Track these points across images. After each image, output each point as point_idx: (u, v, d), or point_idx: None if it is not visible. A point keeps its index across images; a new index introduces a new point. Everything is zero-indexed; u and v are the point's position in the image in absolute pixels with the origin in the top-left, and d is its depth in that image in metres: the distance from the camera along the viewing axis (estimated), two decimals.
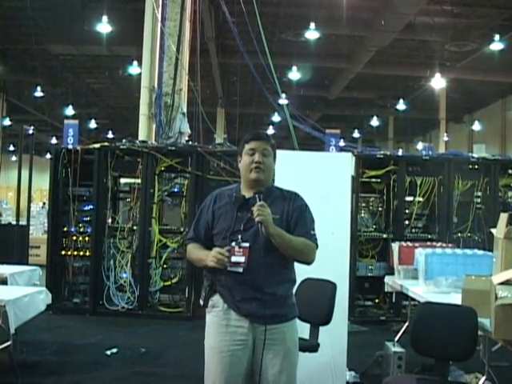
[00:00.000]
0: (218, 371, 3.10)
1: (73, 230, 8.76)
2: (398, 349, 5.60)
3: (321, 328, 4.39)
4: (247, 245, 3.11)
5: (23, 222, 11.61)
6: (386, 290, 6.74)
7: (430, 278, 5.21)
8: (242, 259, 3.10)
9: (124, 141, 9.04)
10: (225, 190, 3.36)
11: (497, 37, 15.77)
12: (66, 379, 5.63)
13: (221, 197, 3.31)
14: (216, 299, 3.19)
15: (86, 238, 8.74)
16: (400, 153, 11.21)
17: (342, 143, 13.43)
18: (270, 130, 30.70)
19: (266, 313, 3.08)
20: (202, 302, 3.28)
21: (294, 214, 3.22)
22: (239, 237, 3.12)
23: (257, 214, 3.03)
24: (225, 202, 3.26)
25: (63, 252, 8.74)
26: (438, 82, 19.77)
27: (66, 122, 10.54)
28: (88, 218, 8.83)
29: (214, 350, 3.15)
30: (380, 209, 9.20)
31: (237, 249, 3.11)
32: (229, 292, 3.15)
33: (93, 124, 28.77)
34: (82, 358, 6.35)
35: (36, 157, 13.39)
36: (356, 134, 32.22)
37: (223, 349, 3.12)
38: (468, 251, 5.69)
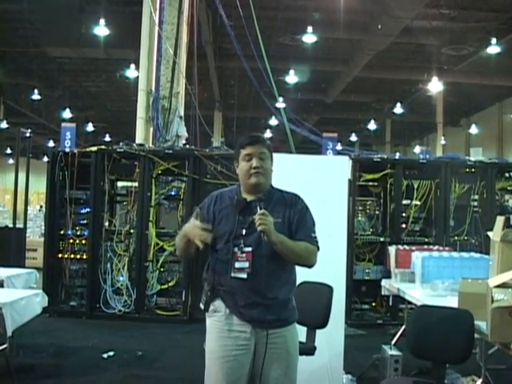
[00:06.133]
0: (219, 376, 3.08)
1: (70, 232, 8.75)
2: (394, 352, 5.61)
3: (317, 331, 4.39)
4: (250, 249, 3.09)
5: (20, 225, 11.57)
6: (382, 293, 6.73)
7: (427, 281, 5.22)
8: (246, 264, 3.08)
9: (121, 144, 9.02)
10: (225, 192, 3.31)
11: (494, 40, 15.80)
12: (63, 382, 5.64)
13: (221, 199, 3.26)
14: (218, 304, 3.16)
15: (83, 241, 8.74)
16: (397, 156, 11.17)
17: (339, 147, 13.38)
18: (268, 134, 30.73)
19: (268, 318, 3.07)
20: (202, 306, 3.24)
21: (295, 217, 3.20)
22: (242, 241, 3.10)
23: (259, 223, 2.99)
24: (225, 205, 3.22)
25: (60, 255, 8.74)
26: (435, 86, 19.81)
27: (63, 124, 10.48)
28: (85, 221, 8.81)
29: (215, 354, 3.13)
30: (377, 212, 9.20)
31: (239, 254, 3.09)
32: (231, 297, 3.11)
33: (90, 127, 28.78)
34: (78, 361, 6.34)
35: (33, 160, 13.36)
36: (353, 138, 32.23)
37: (225, 354, 3.10)
38: (465, 254, 5.71)
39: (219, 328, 3.14)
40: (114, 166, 8.78)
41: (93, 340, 7.25)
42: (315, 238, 3.22)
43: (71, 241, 8.75)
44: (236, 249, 3.10)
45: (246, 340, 3.11)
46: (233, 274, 3.09)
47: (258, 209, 3.04)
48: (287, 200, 3.26)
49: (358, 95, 24.63)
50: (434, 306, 4.14)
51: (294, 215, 3.20)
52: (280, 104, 13.58)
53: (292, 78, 20.14)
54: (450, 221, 8.84)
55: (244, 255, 3.09)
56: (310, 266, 3.22)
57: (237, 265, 3.09)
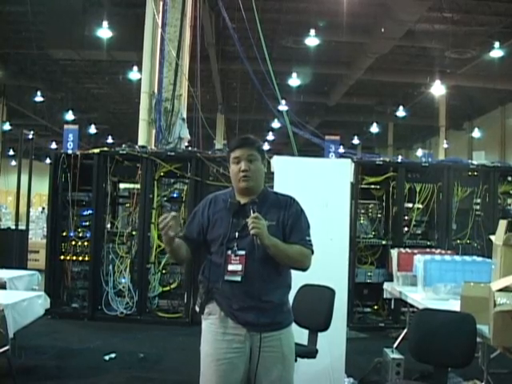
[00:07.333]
0: (213, 379, 3.08)
1: (72, 234, 8.76)
2: (396, 355, 5.60)
3: (319, 334, 4.37)
4: (243, 253, 3.08)
5: (22, 227, 11.62)
6: (384, 296, 6.74)
7: (429, 284, 5.21)
8: (240, 267, 3.07)
9: (123, 146, 9.04)
10: (219, 195, 3.32)
11: (497, 44, 15.81)
12: None
13: (216, 202, 3.26)
14: (212, 306, 3.16)
15: (85, 243, 8.74)
16: (399, 159, 11.14)
17: (341, 150, 13.40)
18: (270, 136, 30.81)
19: (262, 321, 3.06)
20: (197, 309, 3.25)
21: (290, 220, 3.17)
22: (235, 244, 3.09)
23: (251, 226, 2.97)
24: (220, 208, 3.22)
25: (62, 257, 8.74)
26: (437, 89, 19.82)
27: (65, 126, 10.48)
28: (87, 223, 8.82)
29: (210, 357, 3.12)
30: (379, 215, 9.18)
31: (233, 257, 3.08)
32: (226, 300, 3.11)
33: (92, 129, 28.83)
34: (80, 363, 6.34)
35: (36, 161, 13.42)
36: (355, 141, 32.28)
37: (220, 357, 3.09)
38: (467, 258, 5.70)
39: (214, 331, 3.14)
40: (117, 167, 8.79)
41: (95, 342, 7.25)
42: (309, 241, 3.20)
43: (73, 243, 8.75)
44: (229, 252, 3.09)
45: (240, 343, 3.10)
46: (226, 277, 3.08)
47: (251, 212, 3.03)
48: (282, 202, 3.24)
49: (361, 98, 24.66)
50: (436, 309, 4.12)
51: (289, 218, 3.18)
52: (282, 107, 13.58)
53: (295, 80, 20.17)
54: (452, 224, 8.83)
55: (237, 258, 3.08)
56: (303, 269, 3.20)
57: (230, 268, 3.08)
